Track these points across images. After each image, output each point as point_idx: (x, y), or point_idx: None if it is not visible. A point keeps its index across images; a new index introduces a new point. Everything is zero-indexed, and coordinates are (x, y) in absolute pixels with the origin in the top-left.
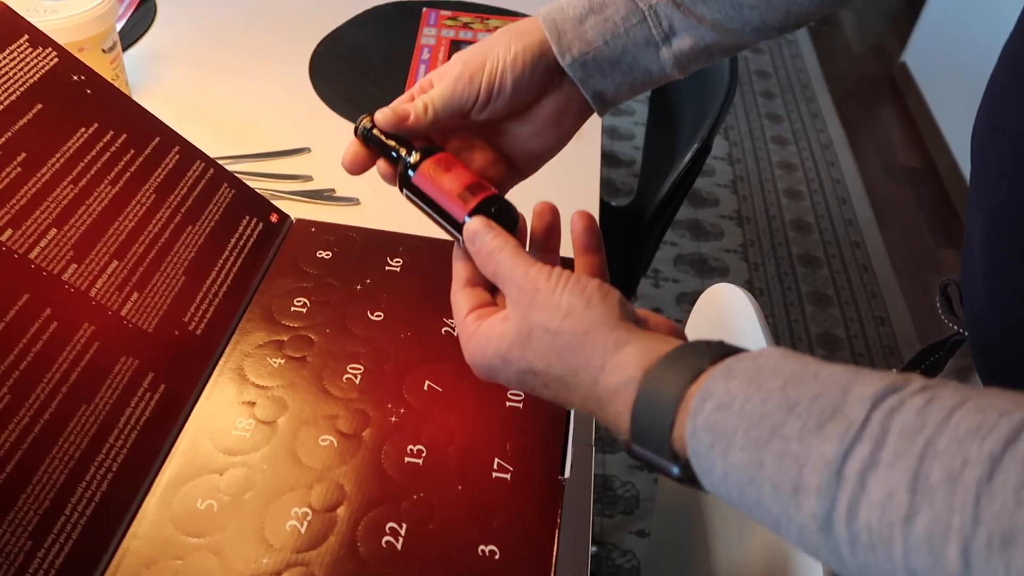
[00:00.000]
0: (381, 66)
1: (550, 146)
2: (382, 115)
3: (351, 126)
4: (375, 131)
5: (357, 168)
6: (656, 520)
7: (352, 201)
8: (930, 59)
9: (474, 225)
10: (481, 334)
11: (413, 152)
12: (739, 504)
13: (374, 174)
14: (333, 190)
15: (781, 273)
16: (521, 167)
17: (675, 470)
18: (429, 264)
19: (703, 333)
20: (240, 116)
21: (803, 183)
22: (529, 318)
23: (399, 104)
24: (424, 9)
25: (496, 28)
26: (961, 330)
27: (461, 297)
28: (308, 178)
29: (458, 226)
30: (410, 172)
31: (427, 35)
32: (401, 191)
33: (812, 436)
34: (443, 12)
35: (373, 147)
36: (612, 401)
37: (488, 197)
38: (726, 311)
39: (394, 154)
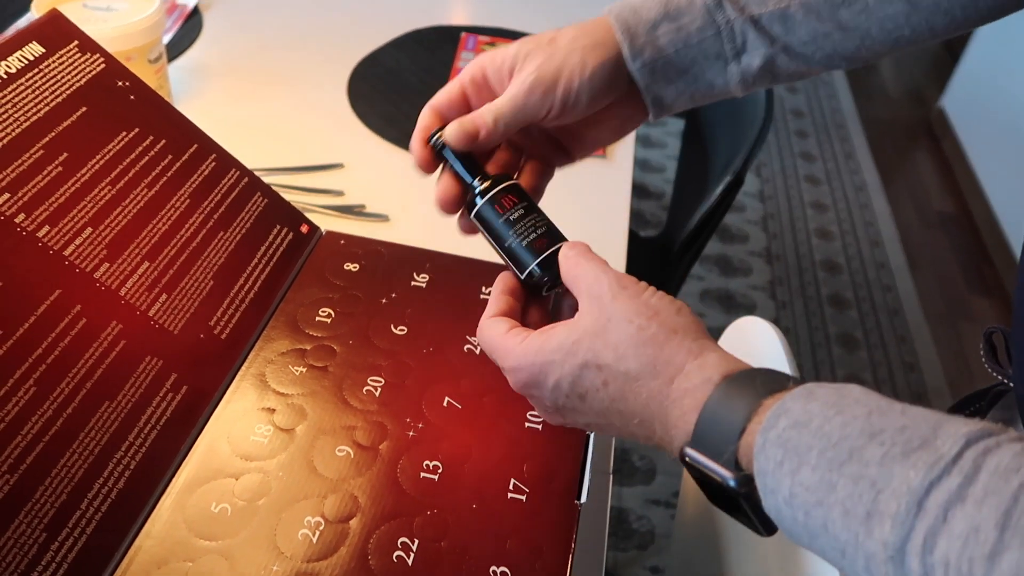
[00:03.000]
0: (417, 87)
1: (604, 140)
2: (452, 133)
3: (385, 144)
4: (448, 150)
5: (426, 170)
6: (671, 557)
7: (382, 218)
8: (968, 106)
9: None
10: (538, 335)
11: (483, 180)
12: (803, 530)
13: (404, 190)
14: (364, 206)
15: (809, 313)
16: (571, 153)
17: (732, 481)
18: (455, 281)
19: None
20: (277, 130)
21: (835, 223)
22: (609, 308)
23: (469, 121)
24: (462, 34)
25: None
26: (1006, 380)
27: (497, 321)
28: (340, 193)
29: (519, 263)
30: (477, 200)
31: (464, 59)
32: (468, 215)
33: (895, 463)
34: (481, 37)
35: (442, 161)
36: (681, 400)
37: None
38: (753, 344)
39: (464, 176)
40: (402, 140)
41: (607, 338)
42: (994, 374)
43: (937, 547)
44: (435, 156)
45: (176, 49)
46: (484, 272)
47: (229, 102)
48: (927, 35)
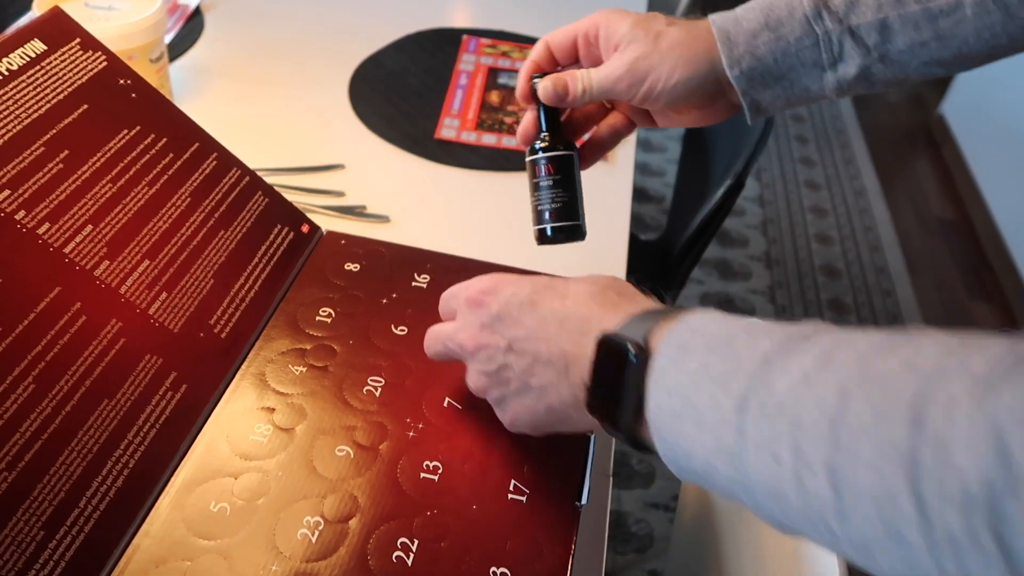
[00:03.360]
0: (418, 89)
1: (691, 123)
2: (543, 88)
3: (386, 145)
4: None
5: (524, 101)
6: (670, 560)
7: (382, 218)
8: (968, 112)
9: None
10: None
11: (545, 139)
12: (674, 418)
13: (405, 192)
14: (364, 207)
15: (809, 317)
16: (656, 123)
17: (632, 354)
18: (457, 281)
19: None
20: (278, 131)
21: (834, 228)
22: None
23: (562, 83)
24: (464, 36)
25: None
26: None
27: None
28: (341, 194)
29: (534, 219)
30: (530, 152)
31: (466, 61)
32: (526, 157)
33: (759, 339)
34: (483, 40)
35: (535, 101)
36: (615, 315)
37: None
38: None
39: (539, 124)
40: (403, 141)
41: (568, 283)
42: None
43: (775, 388)
44: (532, 93)
45: (177, 49)
46: (485, 273)
47: (230, 102)
48: None
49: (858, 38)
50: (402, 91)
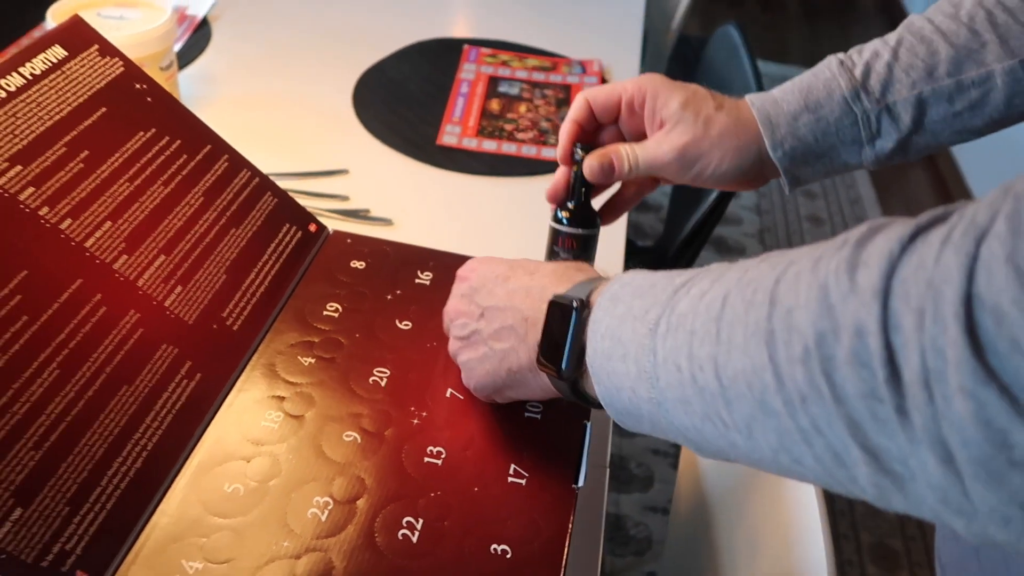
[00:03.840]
0: (420, 97)
1: (724, 188)
2: (589, 167)
3: (389, 151)
4: (579, 149)
5: (562, 163)
6: (665, 563)
7: (385, 221)
8: None
9: None
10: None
11: (571, 210)
12: (603, 358)
13: (407, 195)
14: (368, 210)
15: None
16: (680, 182)
17: (575, 305)
18: None
19: None
20: (284, 136)
21: (831, 237)
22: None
23: (608, 161)
24: (465, 46)
25: (533, 67)
26: None
27: None
28: (345, 198)
29: None
30: (553, 218)
31: (467, 70)
32: (551, 219)
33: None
34: (483, 49)
35: (574, 163)
36: (569, 283)
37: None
38: None
39: (570, 189)
40: (405, 147)
41: (540, 263)
42: None
43: (677, 308)
44: (572, 159)
45: (186, 58)
46: None
47: (237, 109)
48: None
49: (895, 114)
50: (405, 98)
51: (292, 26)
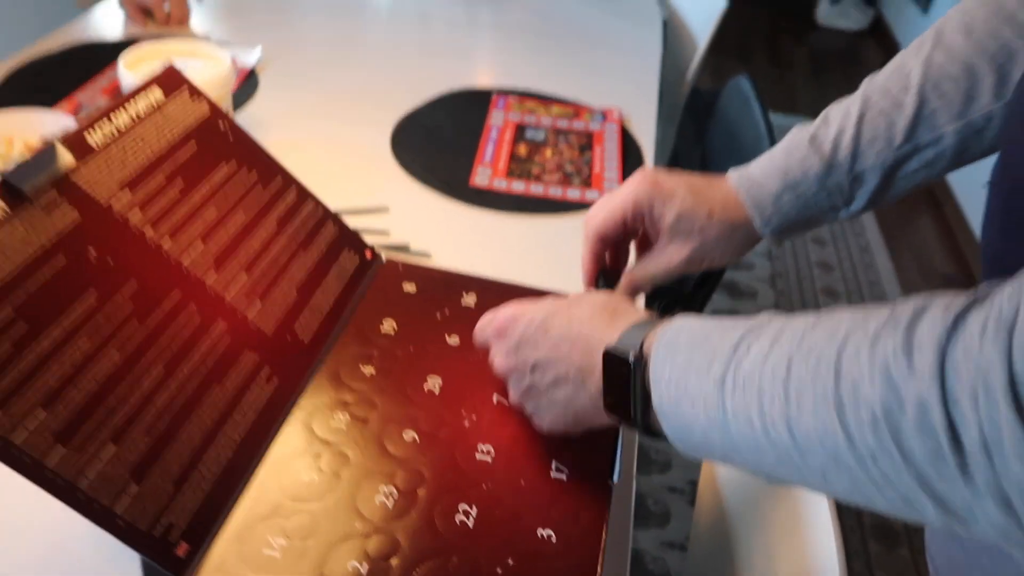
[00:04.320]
0: (454, 141)
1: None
2: (623, 288)
3: (426, 189)
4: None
5: (588, 286)
6: None
7: (424, 254)
8: (968, 174)
9: None
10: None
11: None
12: (673, 405)
13: (444, 231)
14: (407, 245)
15: None
16: None
17: (631, 356)
18: (500, 299)
19: None
20: (329, 176)
21: (840, 283)
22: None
23: (633, 285)
24: (493, 95)
25: (558, 115)
26: None
27: None
28: (386, 233)
29: None
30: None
31: (495, 117)
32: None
33: (728, 335)
34: (510, 98)
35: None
36: (615, 330)
37: None
38: None
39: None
40: (441, 187)
41: (571, 306)
42: None
43: (742, 367)
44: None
45: (235, 104)
46: (518, 293)
47: (284, 151)
48: None
49: (863, 181)
50: (439, 143)
51: (333, 76)
